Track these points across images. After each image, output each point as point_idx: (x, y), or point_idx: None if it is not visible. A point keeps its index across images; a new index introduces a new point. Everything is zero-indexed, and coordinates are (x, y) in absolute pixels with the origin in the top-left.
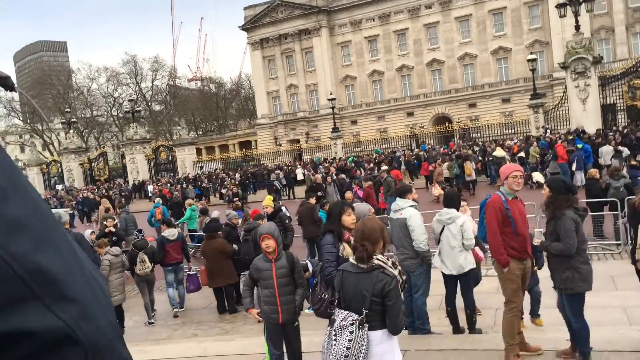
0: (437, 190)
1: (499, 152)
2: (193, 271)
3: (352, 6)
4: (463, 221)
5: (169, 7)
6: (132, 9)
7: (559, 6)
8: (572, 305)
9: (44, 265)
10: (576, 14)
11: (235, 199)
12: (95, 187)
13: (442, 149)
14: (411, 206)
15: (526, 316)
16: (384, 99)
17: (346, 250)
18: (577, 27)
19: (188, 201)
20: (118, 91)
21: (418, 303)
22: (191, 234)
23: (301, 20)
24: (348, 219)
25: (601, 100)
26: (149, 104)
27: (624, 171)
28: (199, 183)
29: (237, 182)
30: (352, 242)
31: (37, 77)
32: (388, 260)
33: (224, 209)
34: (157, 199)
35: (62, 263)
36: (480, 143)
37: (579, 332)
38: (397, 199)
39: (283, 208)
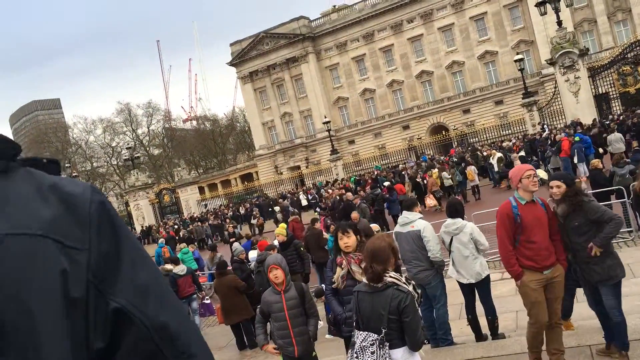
0: (432, 200)
1: (496, 157)
2: (207, 300)
3: (335, 30)
4: (471, 228)
5: (157, 53)
6: (121, 58)
7: (538, 5)
8: (616, 296)
9: (169, 324)
10: (556, 10)
11: (232, 240)
12: None
13: (443, 157)
14: (420, 218)
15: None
16: (378, 115)
17: (336, 274)
18: (559, 23)
19: (181, 245)
20: (115, 140)
21: (440, 313)
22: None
23: (287, 49)
24: (340, 242)
25: (593, 90)
26: (147, 149)
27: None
28: (207, 222)
29: (235, 218)
30: (344, 265)
31: (34, 137)
32: (401, 276)
33: (226, 249)
34: (161, 240)
35: (181, 321)
36: (479, 147)
37: (620, 325)
38: (405, 212)
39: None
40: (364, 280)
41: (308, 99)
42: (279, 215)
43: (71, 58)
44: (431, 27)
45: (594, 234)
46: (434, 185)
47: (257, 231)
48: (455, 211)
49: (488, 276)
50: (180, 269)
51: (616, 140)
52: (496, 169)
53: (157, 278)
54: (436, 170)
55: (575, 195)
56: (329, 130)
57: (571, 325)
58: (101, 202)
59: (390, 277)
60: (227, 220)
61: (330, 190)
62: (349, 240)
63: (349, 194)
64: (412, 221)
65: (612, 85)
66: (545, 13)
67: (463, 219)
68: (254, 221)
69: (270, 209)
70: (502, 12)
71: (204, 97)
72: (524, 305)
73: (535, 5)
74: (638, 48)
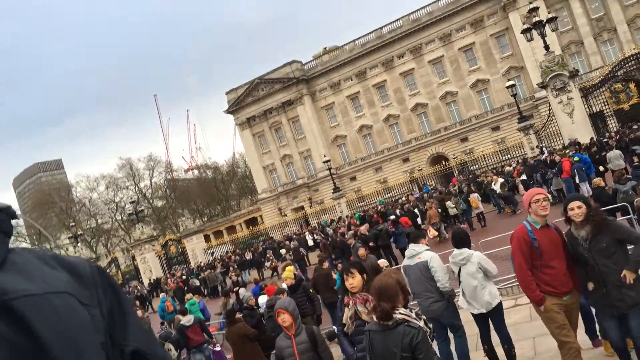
0: (431, 232)
1: (499, 183)
2: (217, 347)
3: (328, 70)
4: (478, 257)
5: (155, 107)
6: (120, 115)
7: (524, 32)
8: None
9: (166, 356)
10: (542, 36)
11: (235, 288)
12: None
13: (444, 188)
14: (427, 250)
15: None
16: (377, 150)
17: (344, 315)
18: (547, 47)
19: (187, 295)
20: (119, 195)
21: (459, 342)
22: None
23: (283, 93)
24: (346, 283)
25: (587, 110)
26: (151, 201)
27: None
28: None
29: (241, 265)
30: (351, 305)
31: (38, 199)
32: (411, 311)
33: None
34: (162, 294)
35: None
36: (481, 174)
37: None
38: (411, 244)
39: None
40: (374, 319)
41: (306, 139)
42: (287, 257)
43: (71, 119)
44: (421, 60)
45: (621, 256)
46: (434, 217)
47: (272, 274)
48: (461, 241)
49: (500, 304)
50: (187, 320)
51: (615, 157)
52: (498, 194)
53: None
54: (432, 201)
55: (599, 214)
56: (329, 169)
57: (609, 348)
58: (99, 268)
59: (401, 313)
60: (231, 269)
61: (343, 228)
62: (353, 281)
63: (363, 227)
64: (418, 253)
65: (606, 103)
66: (532, 39)
67: (470, 249)
68: (267, 264)
69: (277, 252)
70: (490, 41)
71: (204, 146)
72: (550, 333)
73: (521, 32)
74: (627, 65)
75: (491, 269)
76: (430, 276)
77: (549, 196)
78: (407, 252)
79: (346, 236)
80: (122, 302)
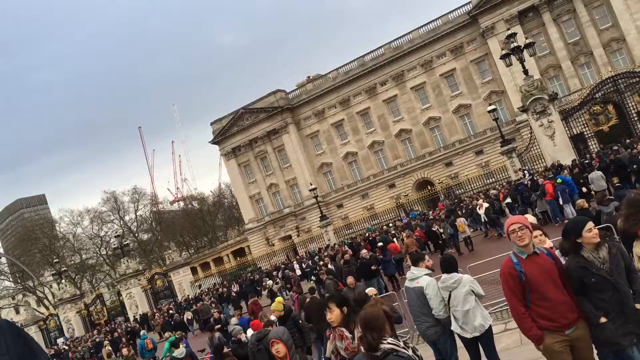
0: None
1: (484, 207)
2: None
3: (312, 99)
4: (469, 280)
5: (139, 139)
6: (103, 147)
7: (503, 57)
8: None
9: None
10: (521, 61)
11: (217, 326)
12: (96, 332)
13: (431, 212)
14: (426, 274)
15: None
16: (363, 177)
17: (327, 349)
18: (526, 72)
19: (166, 334)
20: (103, 230)
21: None
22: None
23: (267, 122)
24: (327, 317)
25: (568, 132)
26: (136, 235)
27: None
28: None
29: (224, 299)
30: (331, 339)
31: (21, 235)
32: (400, 340)
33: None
34: (142, 332)
35: None
36: (466, 199)
37: None
38: (412, 268)
39: None
40: (361, 349)
41: (292, 168)
42: (275, 288)
43: (53, 154)
44: (404, 87)
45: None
46: (412, 246)
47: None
48: (450, 266)
49: (490, 328)
50: (180, 352)
51: (597, 179)
52: (483, 219)
53: None
54: (407, 231)
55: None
56: (316, 197)
57: None
58: (7, 321)
59: (389, 343)
60: (213, 305)
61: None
62: (332, 315)
63: (364, 251)
64: (417, 277)
65: (586, 125)
66: (511, 64)
67: (457, 272)
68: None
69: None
70: (470, 67)
71: (189, 177)
72: None
73: (500, 58)
74: (605, 87)
75: (479, 291)
76: (426, 302)
77: (529, 222)
78: (408, 275)
79: (329, 266)
80: (32, 347)
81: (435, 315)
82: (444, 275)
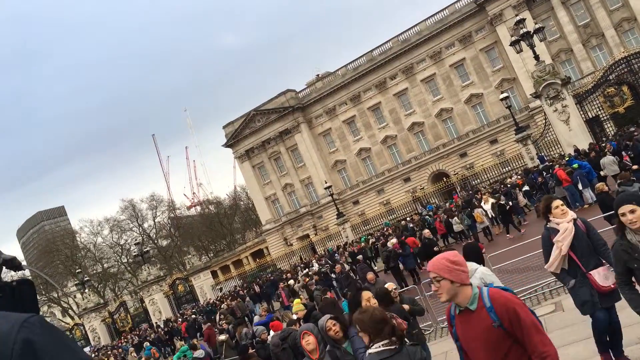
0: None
1: (490, 203)
2: None
3: (322, 97)
4: (481, 273)
5: (153, 146)
6: (118, 157)
7: (512, 44)
8: None
9: None
10: (531, 46)
11: (222, 337)
12: (122, 339)
13: (447, 204)
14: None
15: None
16: (378, 172)
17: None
18: (537, 57)
19: (179, 343)
20: (123, 238)
21: None
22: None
23: (279, 122)
24: (369, 304)
25: (583, 116)
26: (156, 241)
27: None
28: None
29: (231, 313)
30: None
31: (43, 247)
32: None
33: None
34: (146, 343)
35: None
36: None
37: None
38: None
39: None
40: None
41: (306, 167)
42: (296, 287)
43: (70, 166)
44: (414, 80)
45: None
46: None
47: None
48: (471, 254)
49: None
50: (199, 354)
51: (609, 163)
52: (490, 215)
53: None
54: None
55: None
56: (331, 195)
57: None
58: (24, 341)
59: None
60: (220, 317)
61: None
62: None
63: (426, 230)
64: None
65: (601, 108)
66: (521, 50)
67: (480, 263)
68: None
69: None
70: (480, 56)
71: (205, 182)
72: None
73: (510, 45)
74: (618, 69)
75: (497, 285)
76: None
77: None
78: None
79: (344, 265)
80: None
81: None
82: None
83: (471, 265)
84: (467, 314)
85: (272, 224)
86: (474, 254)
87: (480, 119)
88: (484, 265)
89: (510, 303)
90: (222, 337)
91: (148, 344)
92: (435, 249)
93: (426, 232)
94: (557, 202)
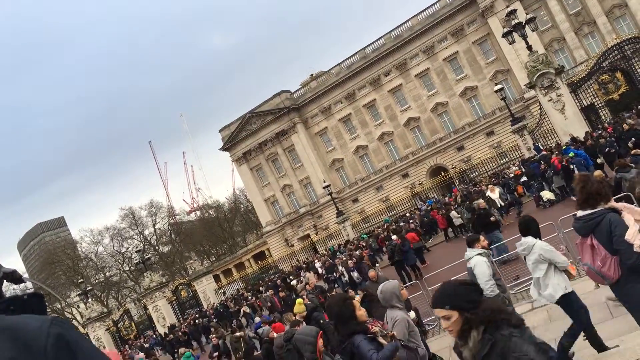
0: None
1: (496, 192)
2: None
3: (317, 96)
4: (540, 248)
5: (150, 153)
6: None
7: (505, 35)
8: None
9: None
10: (524, 37)
11: (215, 355)
12: (128, 348)
13: (447, 198)
14: (479, 254)
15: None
16: (376, 169)
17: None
18: (530, 47)
19: (181, 350)
20: (124, 246)
21: None
22: None
23: (275, 124)
24: (361, 313)
25: (578, 104)
26: (157, 248)
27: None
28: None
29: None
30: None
31: (45, 259)
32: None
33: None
34: (141, 354)
35: None
36: (476, 183)
37: None
38: (467, 249)
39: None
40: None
41: (304, 167)
42: (299, 288)
43: (67, 176)
44: (408, 75)
45: None
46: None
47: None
48: (524, 229)
49: (565, 297)
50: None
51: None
52: (499, 204)
53: None
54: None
55: None
56: (330, 194)
57: None
58: (58, 335)
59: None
60: (212, 330)
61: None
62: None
63: (481, 201)
64: (470, 258)
65: (595, 96)
66: (514, 41)
67: (536, 237)
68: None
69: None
70: (473, 49)
71: (203, 186)
72: None
73: (503, 36)
74: (611, 56)
75: (558, 259)
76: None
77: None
78: (465, 255)
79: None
80: None
81: (485, 294)
82: (521, 239)
83: (525, 242)
84: None
85: (273, 225)
86: (534, 228)
87: (475, 112)
88: (541, 239)
89: None
90: (239, 333)
91: (142, 355)
92: (492, 219)
93: (481, 202)
94: None
